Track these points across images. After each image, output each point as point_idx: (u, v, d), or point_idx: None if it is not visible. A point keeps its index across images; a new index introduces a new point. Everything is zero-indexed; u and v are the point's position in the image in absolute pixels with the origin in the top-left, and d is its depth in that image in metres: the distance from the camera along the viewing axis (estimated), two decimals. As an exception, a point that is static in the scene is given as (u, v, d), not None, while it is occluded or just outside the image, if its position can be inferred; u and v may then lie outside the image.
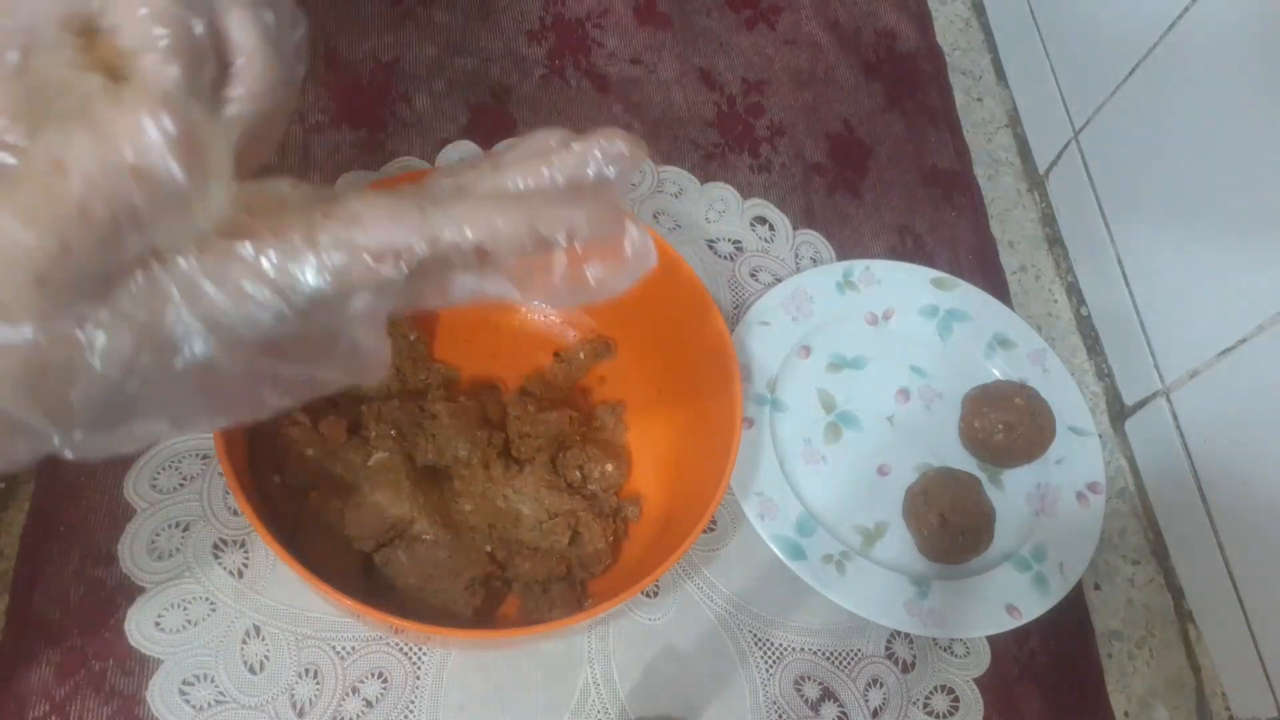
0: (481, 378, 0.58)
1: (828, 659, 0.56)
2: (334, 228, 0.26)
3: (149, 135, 0.23)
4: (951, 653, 0.58)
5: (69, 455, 0.26)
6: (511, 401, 0.56)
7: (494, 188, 0.30)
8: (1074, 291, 0.73)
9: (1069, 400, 0.65)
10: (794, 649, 0.56)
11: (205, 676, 0.49)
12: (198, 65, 0.28)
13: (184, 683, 0.48)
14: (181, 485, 0.52)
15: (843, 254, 0.70)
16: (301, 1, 0.32)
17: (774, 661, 0.55)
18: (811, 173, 0.72)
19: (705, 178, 0.70)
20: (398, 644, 0.51)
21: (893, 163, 0.75)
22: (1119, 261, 0.68)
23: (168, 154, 0.23)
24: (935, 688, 0.57)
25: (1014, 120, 0.80)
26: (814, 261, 0.69)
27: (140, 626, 0.49)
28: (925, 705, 0.56)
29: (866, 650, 0.57)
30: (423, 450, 0.52)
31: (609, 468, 0.55)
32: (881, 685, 0.56)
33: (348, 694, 0.50)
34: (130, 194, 0.23)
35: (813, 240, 0.70)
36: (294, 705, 0.49)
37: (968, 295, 0.68)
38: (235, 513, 0.52)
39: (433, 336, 0.58)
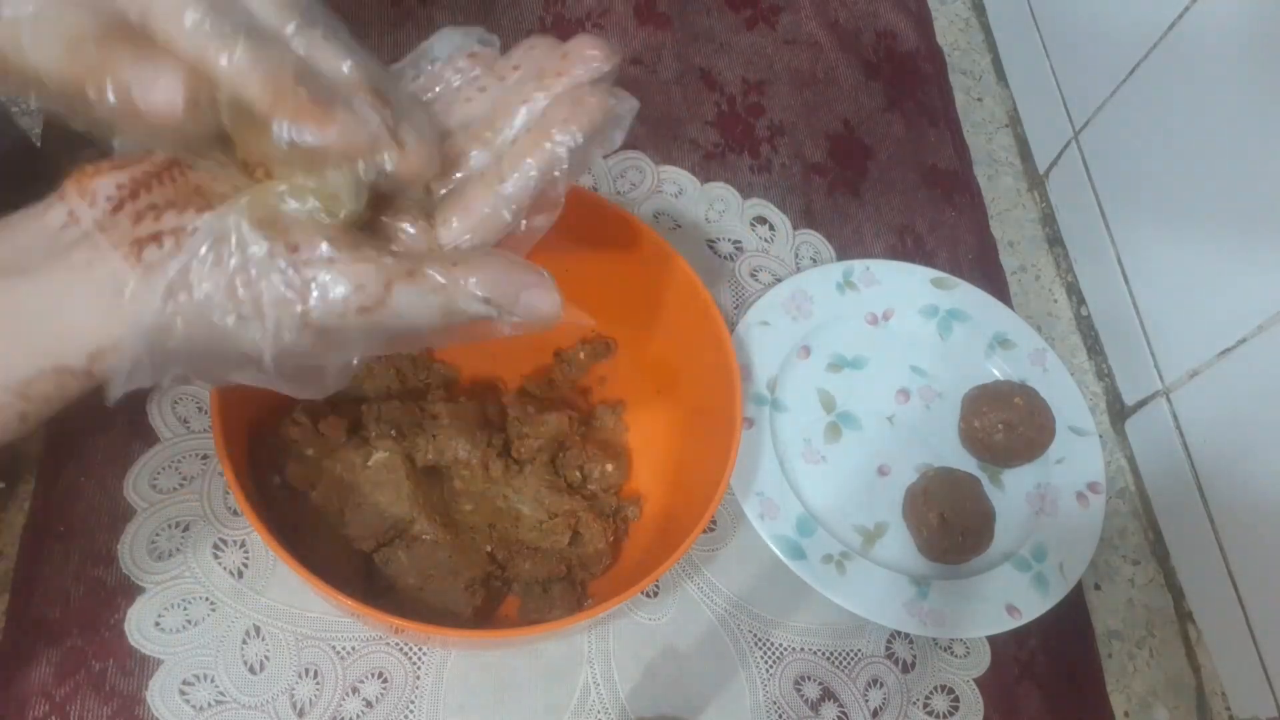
0: (481, 378, 0.58)
1: (828, 659, 0.56)
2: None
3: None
4: (951, 653, 0.58)
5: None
6: (511, 402, 0.56)
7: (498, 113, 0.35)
8: (1074, 291, 0.73)
9: (1069, 400, 0.65)
10: (794, 649, 0.56)
11: (205, 676, 0.49)
12: None
13: (184, 683, 0.48)
14: (181, 485, 0.52)
15: (843, 254, 0.70)
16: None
17: (774, 661, 0.55)
18: (811, 173, 0.72)
19: (705, 178, 0.70)
20: (398, 644, 0.51)
21: (893, 163, 0.74)
22: (1119, 261, 0.68)
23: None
24: (935, 688, 0.57)
25: (1014, 120, 0.80)
26: (814, 261, 0.69)
27: (140, 626, 0.49)
28: (925, 705, 0.56)
29: (866, 650, 0.57)
30: (423, 450, 0.52)
31: (609, 468, 0.55)
32: (881, 685, 0.56)
33: (348, 694, 0.50)
34: None
35: (813, 240, 0.70)
36: (294, 705, 0.49)
37: (968, 295, 0.68)
38: (235, 513, 0.52)
39: (433, 336, 0.58)
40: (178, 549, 0.51)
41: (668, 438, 0.57)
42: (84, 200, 0.29)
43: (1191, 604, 0.62)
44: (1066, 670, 0.59)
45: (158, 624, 0.49)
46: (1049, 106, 0.74)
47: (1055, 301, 0.73)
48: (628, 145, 0.69)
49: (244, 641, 0.50)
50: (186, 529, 0.51)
